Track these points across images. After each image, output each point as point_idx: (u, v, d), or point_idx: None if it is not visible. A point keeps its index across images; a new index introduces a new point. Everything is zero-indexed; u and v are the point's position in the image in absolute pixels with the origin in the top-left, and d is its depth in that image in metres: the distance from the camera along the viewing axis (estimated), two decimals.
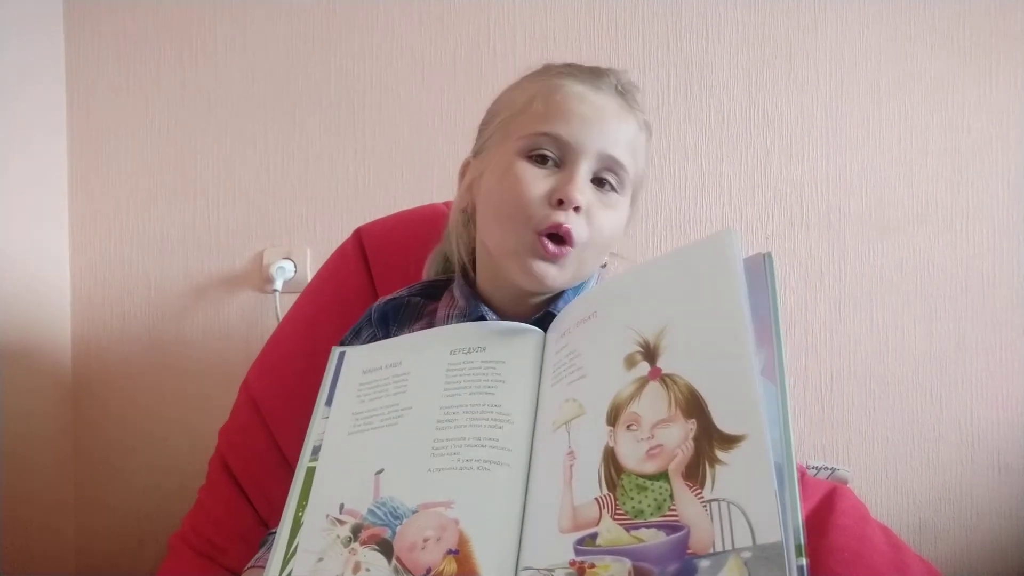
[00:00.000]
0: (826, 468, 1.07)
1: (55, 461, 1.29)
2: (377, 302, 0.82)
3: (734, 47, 1.30)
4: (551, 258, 0.70)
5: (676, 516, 0.48)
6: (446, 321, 0.78)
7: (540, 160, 0.71)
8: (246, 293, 1.31)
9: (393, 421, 0.66)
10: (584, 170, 0.70)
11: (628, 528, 0.50)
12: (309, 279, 1.26)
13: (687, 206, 1.29)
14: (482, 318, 0.75)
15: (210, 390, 1.28)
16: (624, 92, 0.75)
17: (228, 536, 0.91)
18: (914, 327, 1.29)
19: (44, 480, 1.26)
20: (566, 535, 0.53)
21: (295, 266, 1.30)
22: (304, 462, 0.68)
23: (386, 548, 0.58)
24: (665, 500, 0.49)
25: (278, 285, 1.27)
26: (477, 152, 0.79)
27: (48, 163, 1.30)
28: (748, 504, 0.45)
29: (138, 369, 1.32)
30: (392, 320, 0.80)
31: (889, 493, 1.27)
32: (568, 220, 0.69)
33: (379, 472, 0.63)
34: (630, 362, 0.56)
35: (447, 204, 1.00)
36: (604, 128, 0.71)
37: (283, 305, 1.25)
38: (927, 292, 1.28)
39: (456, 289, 0.80)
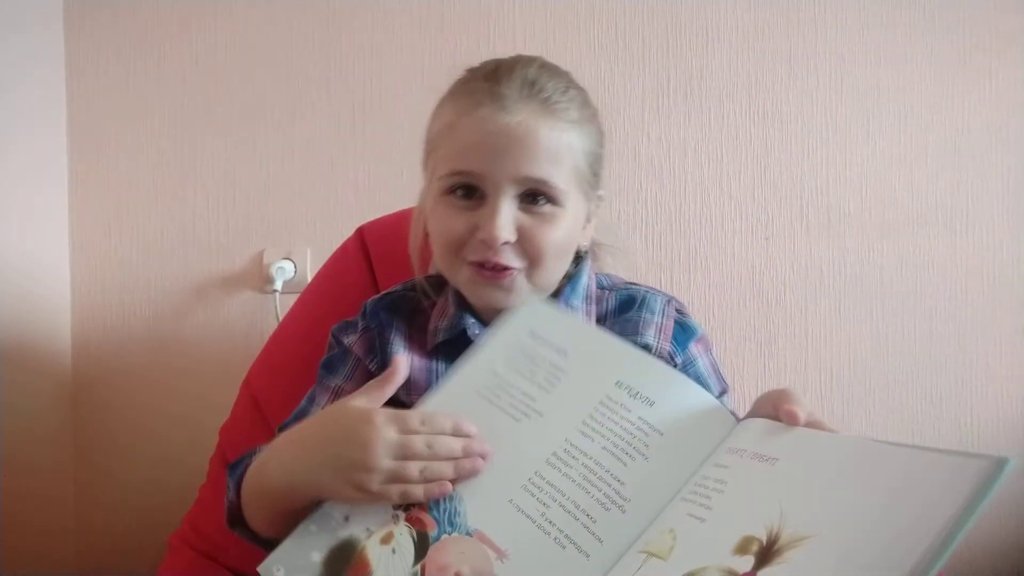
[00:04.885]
0: None
1: (55, 461, 1.29)
2: (371, 299, 0.80)
3: (734, 47, 1.30)
4: (494, 284, 0.70)
5: None
6: (436, 334, 0.75)
7: (460, 195, 0.69)
8: (246, 293, 1.31)
9: (517, 415, 0.60)
10: (504, 201, 0.68)
11: None
12: (309, 279, 1.26)
13: (687, 206, 1.29)
14: (464, 332, 0.73)
15: (210, 390, 1.28)
16: (534, 92, 0.69)
17: (229, 534, 0.90)
18: (914, 327, 1.29)
19: (44, 480, 1.26)
20: None
21: (295, 266, 1.30)
22: None
23: (421, 546, 0.56)
24: None
25: (278, 285, 1.27)
26: (424, 175, 0.78)
27: (48, 163, 1.30)
28: None
29: (138, 369, 1.32)
30: (388, 311, 0.78)
31: None
32: (497, 255, 0.68)
33: None
34: (743, 546, 0.47)
35: None
36: (514, 152, 0.67)
37: (283, 305, 1.25)
38: (927, 292, 1.28)
39: (451, 293, 0.78)
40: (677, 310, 0.79)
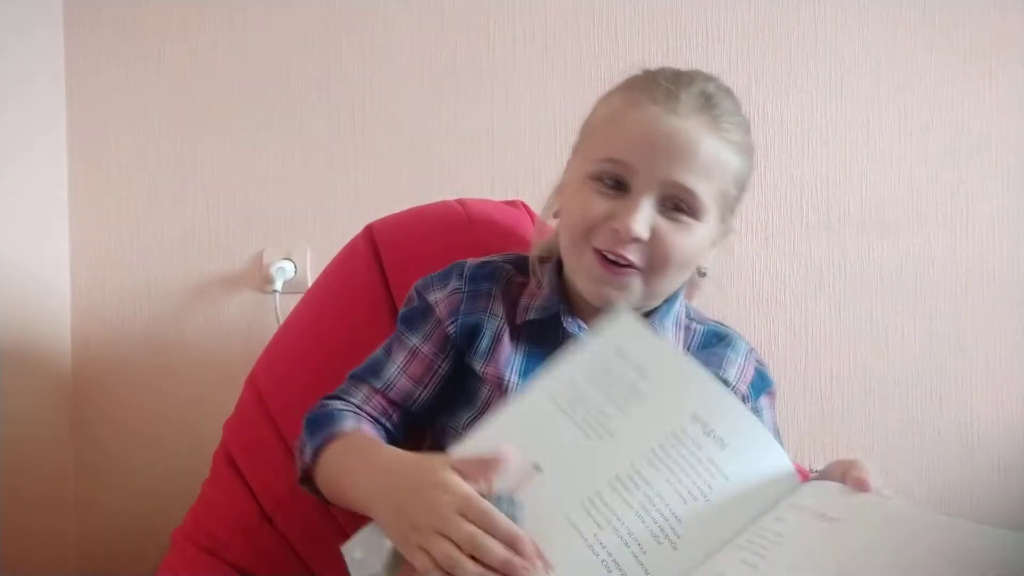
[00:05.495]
0: None
1: (54, 461, 1.29)
2: (471, 261, 0.81)
3: (734, 47, 1.30)
4: (611, 280, 0.71)
5: None
6: (527, 311, 0.77)
7: (608, 183, 0.70)
8: (246, 293, 1.31)
9: (588, 431, 0.60)
10: (647, 199, 0.69)
11: None
12: (309, 279, 1.26)
13: None
14: (557, 316, 0.75)
15: (210, 390, 1.28)
16: (708, 106, 0.70)
17: (231, 530, 0.90)
18: (914, 327, 1.29)
19: (44, 480, 1.26)
20: None
21: (295, 266, 1.30)
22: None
23: None
24: None
25: (278, 285, 1.27)
26: (573, 154, 0.79)
27: (48, 163, 1.30)
28: None
29: (138, 369, 1.31)
30: (485, 279, 0.79)
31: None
32: (625, 249, 0.69)
33: (536, 466, 0.59)
34: None
35: (460, 202, 1.01)
36: (672, 155, 0.68)
37: (283, 305, 1.25)
38: (927, 292, 1.29)
39: (546, 275, 0.78)
40: (757, 359, 0.81)
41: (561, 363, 0.65)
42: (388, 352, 0.79)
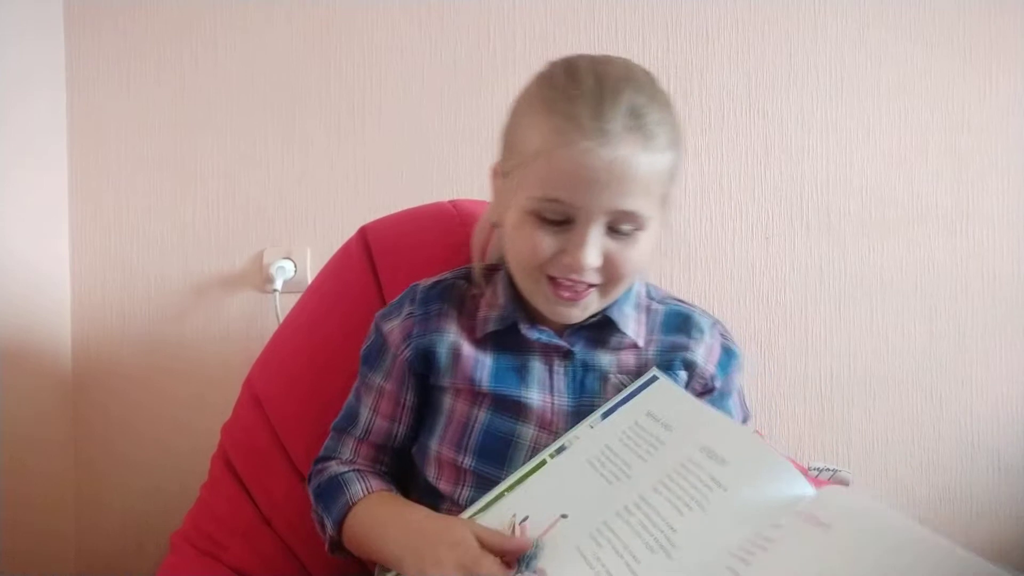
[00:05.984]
0: (828, 470, 1.07)
1: (55, 461, 1.29)
2: (422, 284, 0.81)
3: (733, 47, 1.30)
4: (569, 302, 0.72)
5: None
6: (486, 322, 0.77)
7: (551, 218, 0.69)
8: (246, 293, 1.31)
9: (611, 479, 0.65)
10: (595, 231, 0.68)
11: None
12: (309, 279, 1.26)
13: (687, 206, 1.29)
14: (515, 325, 0.76)
15: (210, 390, 1.28)
16: (639, 125, 0.67)
17: (230, 533, 0.91)
18: (914, 327, 1.29)
19: (44, 480, 1.26)
20: None
21: (295, 266, 1.30)
22: (545, 452, 0.71)
23: None
24: None
25: (278, 285, 1.27)
26: (504, 173, 0.75)
27: (48, 164, 1.30)
28: None
29: (138, 369, 1.32)
30: (435, 299, 0.79)
31: (889, 493, 1.27)
32: (580, 276, 0.70)
33: (564, 516, 0.64)
34: None
35: (453, 203, 1.00)
36: (612, 187, 0.67)
37: (283, 305, 1.25)
38: (927, 292, 1.29)
39: (500, 284, 0.79)
40: (721, 334, 0.82)
41: (599, 425, 0.71)
42: (358, 397, 0.81)
